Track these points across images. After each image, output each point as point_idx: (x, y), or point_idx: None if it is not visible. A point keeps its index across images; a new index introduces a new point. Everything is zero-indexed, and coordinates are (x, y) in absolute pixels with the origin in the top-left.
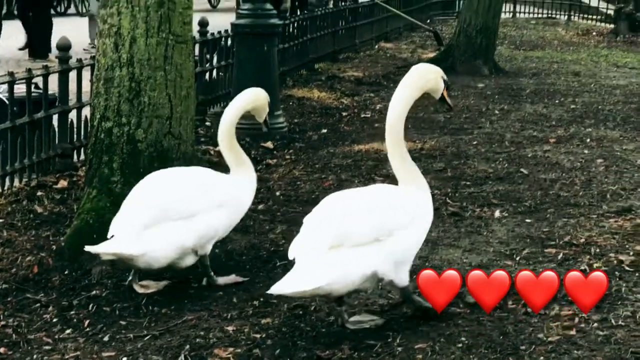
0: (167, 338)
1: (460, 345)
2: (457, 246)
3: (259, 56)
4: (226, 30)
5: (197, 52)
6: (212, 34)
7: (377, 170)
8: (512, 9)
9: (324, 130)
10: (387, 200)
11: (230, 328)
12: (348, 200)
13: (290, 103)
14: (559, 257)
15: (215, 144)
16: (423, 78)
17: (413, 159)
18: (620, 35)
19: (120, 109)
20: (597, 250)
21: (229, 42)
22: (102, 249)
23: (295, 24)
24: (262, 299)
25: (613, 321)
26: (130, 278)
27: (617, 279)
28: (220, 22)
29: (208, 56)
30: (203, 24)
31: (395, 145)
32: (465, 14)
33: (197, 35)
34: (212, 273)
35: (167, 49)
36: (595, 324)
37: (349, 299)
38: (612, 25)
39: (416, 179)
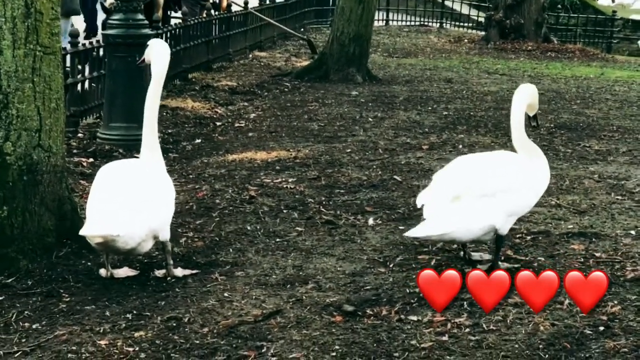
0: (38, 354)
1: (334, 354)
2: (331, 254)
3: (131, 66)
4: (97, 41)
5: (68, 62)
6: (84, 44)
7: (252, 180)
8: (385, 17)
9: (198, 140)
10: (505, 164)
11: (103, 342)
12: (472, 161)
13: (164, 113)
14: (432, 263)
15: (88, 156)
16: (533, 95)
17: (287, 168)
18: (491, 42)
19: None
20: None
21: (101, 52)
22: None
23: (168, 34)
24: (134, 312)
25: (484, 326)
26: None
27: None
28: None
29: (80, 67)
30: (74, 34)
31: (518, 138)
32: (337, 23)
33: (68, 46)
34: (171, 262)
35: (35, 60)
36: (467, 329)
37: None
38: (483, 33)
39: (535, 152)
